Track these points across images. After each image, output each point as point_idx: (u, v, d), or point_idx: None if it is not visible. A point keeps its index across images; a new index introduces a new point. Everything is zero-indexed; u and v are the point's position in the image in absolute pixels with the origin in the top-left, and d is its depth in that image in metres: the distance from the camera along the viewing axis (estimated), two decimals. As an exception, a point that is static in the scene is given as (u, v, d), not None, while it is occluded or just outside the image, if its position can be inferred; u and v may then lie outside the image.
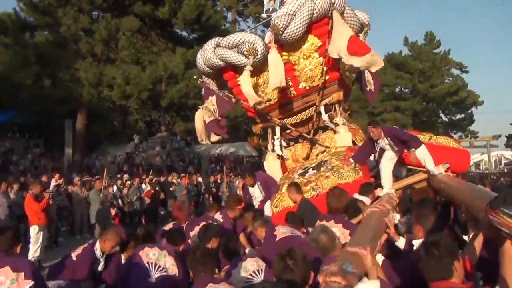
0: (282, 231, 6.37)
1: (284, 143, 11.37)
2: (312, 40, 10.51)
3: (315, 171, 9.57)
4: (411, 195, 7.79)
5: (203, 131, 10.89)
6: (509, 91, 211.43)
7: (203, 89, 11.25)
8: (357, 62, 9.37)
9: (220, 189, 27.15)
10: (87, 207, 18.63)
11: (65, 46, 31.91)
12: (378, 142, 8.92)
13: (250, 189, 10.38)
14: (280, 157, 11.34)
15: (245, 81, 10.00)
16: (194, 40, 37.95)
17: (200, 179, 28.66)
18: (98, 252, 6.48)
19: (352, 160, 9.28)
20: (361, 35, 11.03)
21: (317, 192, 8.72)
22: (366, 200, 7.50)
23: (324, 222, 5.96)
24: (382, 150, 8.99)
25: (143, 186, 23.05)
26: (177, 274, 5.66)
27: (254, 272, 5.37)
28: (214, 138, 11.07)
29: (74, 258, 6.38)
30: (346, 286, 2.58)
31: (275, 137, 11.32)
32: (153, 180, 24.46)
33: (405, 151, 8.85)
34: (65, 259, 6.44)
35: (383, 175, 8.90)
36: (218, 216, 8.02)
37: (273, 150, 11.41)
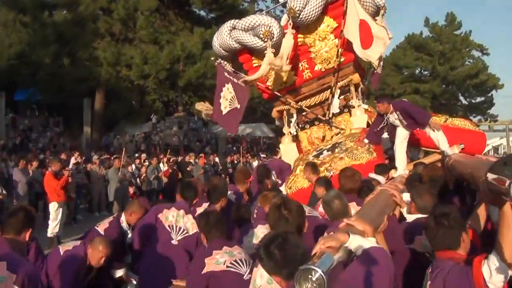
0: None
1: (299, 126, 11.32)
2: (328, 22, 10.45)
3: (329, 152, 9.57)
4: (420, 173, 7.75)
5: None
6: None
7: (217, 76, 11.10)
8: (360, 54, 9.63)
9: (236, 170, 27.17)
10: (105, 185, 18.76)
11: (84, 25, 31.89)
12: (388, 117, 8.90)
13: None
14: (296, 139, 11.34)
15: (267, 61, 9.78)
16: (212, 20, 37.88)
17: (217, 159, 28.70)
18: (124, 224, 6.47)
19: (366, 141, 9.27)
20: (378, 18, 10.77)
21: (331, 173, 8.64)
22: (381, 179, 7.44)
23: None
24: (393, 127, 8.97)
25: (161, 165, 23.14)
26: (197, 231, 5.61)
27: None
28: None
29: (102, 232, 6.32)
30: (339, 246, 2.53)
31: (291, 120, 11.29)
32: (171, 160, 24.54)
33: (416, 127, 8.83)
34: (91, 233, 6.36)
35: (397, 157, 8.90)
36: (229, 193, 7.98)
37: (289, 133, 11.36)
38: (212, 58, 11.35)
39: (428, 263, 3.50)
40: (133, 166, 21.58)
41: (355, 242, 2.58)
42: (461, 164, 6.30)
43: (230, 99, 10.55)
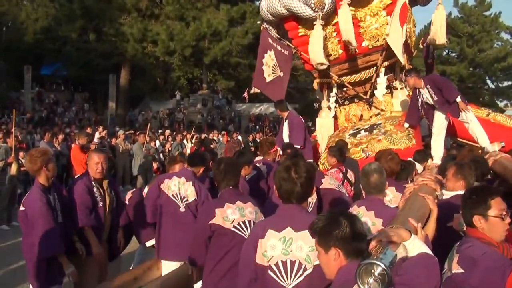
0: (329, 182, 6.32)
1: (339, 102, 11.17)
2: None
3: (367, 133, 9.41)
4: (455, 155, 7.59)
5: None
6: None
7: (261, 40, 11.06)
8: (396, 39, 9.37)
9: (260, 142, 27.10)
10: (129, 160, 18.86)
11: (110, 0, 31.98)
12: (422, 93, 8.71)
13: None
14: (333, 114, 11.15)
15: (316, 37, 9.74)
16: (238, -4, 37.65)
17: (239, 137, 28.69)
18: None
19: (406, 125, 9.08)
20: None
21: (367, 154, 8.55)
22: (419, 167, 7.32)
23: None
24: (429, 107, 8.78)
25: (185, 142, 23.20)
26: (196, 198, 5.68)
27: None
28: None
29: (126, 202, 6.56)
30: (399, 242, 2.54)
31: (331, 94, 11.08)
32: (195, 137, 24.59)
33: (446, 106, 8.54)
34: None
35: (433, 146, 8.71)
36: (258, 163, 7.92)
37: (328, 107, 11.16)
38: (258, 22, 11.27)
39: None
40: (157, 142, 21.64)
41: (415, 243, 2.60)
42: (506, 170, 5.88)
43: (273, 67, 10.51)
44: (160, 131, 26.50)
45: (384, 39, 10.01)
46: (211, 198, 5.59)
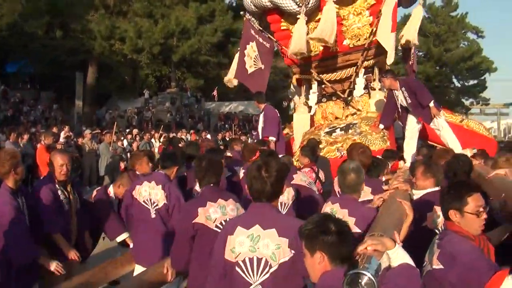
0: (300, 178, 6.40)
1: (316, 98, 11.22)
2: None
3: (342, 132, 9.49)
4: (426, 155, 7.66)
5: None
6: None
7: (243, 31, 11.06)
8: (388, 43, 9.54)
9: (228, 147, 27.01)
10: (96, 160, 18.60)
11: (78, -4, 31.55)
12: (397, 95, 8.83)
13: None
14: (311, 111, 11.20)
15: (298, 30, 9.80)
16: (208, -6, 37.50)
17: (208, 136, 28.53)
18: (112, 195, 6.49)
19: (381, 126, 9.19)
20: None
21: (342, 153, 8.61)
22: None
23: None
24: (403, 109, 8.89)
25: (153, 141, 22.98)
26: (166, 202, 5.57)
27: None
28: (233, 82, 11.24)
29: (92, 200, 6.42)
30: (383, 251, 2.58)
31: (311, 91, 11.16)
32: (163, 136, 24.39)
33: (419, 110, 8.66)
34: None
35: (406, 149, 8.82)
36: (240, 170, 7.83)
37: (305, 103, 11.23)
38: (242, 12, 11.22)
39: None
40: (125, 141, 21.41)
41: (399, 253, 2.65)
42: (489, 184, 5.82)
43: (255, 58, 10.50)
44: (127, 130, 26.24)
45: (365, 38, 10.20)
46: (183, 201, 5.49)
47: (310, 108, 11.23)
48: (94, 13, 32.36)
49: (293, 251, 3.18)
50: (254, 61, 10.55)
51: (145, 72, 44.06)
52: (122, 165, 18.29)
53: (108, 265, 5.61)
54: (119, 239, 6.20)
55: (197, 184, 6.56)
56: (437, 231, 4.24)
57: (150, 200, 5.60)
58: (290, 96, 13.19)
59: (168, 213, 5.57)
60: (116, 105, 38.82)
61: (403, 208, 3.79)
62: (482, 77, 65.44)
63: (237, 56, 11.01)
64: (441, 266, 3.19)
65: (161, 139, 22.84)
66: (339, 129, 9.67)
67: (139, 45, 31.84)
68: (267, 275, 3.25)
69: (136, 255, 5.69)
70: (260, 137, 9.85)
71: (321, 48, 10.38)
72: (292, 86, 12.42)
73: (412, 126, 8.86)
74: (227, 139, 28.21)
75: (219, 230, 4.13)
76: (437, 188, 4.75)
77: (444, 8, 60.52)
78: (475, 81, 65.94)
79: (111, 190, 6.50)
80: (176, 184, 6.16)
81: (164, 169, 5.91)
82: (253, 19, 11.02)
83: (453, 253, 3.16)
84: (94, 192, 6.60)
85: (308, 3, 9.76)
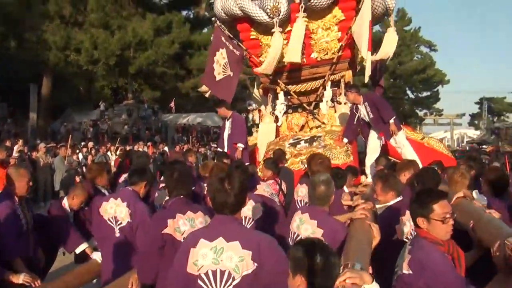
0: (263, 189, 6.37)
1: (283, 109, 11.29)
2: (336, 13, 10.42)
3: (307, 144, 9.59)
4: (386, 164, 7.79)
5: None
6: (475, 71, 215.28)
7: (212, 37, 11.25)
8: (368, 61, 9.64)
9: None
10: (51, 174, 18.21)
11: (32, 6, 30.89)
12: (359, 109, 8.98)
13: None
14: (276, 121, 11.26)
15: (276, 46, 9.95)
16: (164, 6, 37.43)
17: (166, 148, 28.28)
18: (67, 207, 6.29)
19: (345, 140, 9.33)
20: (390, 19, 11.34)
21: (305, 166, 8.40)
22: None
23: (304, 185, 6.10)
24: (365, 124, 9.07)
25: (109, 154, 22.65)
26: (129, 220, 5.39)
27: None
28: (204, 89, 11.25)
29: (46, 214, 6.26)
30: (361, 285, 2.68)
31: (278, 101, 11.21)
32: (119, 149, 24.05)
33: (380, 125, 8.85)
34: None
35: (368, 163, 8.97)
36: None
37: (271, 113, 11.30)
38: (213, 19, 11.26)
39: None
40: (80, 154, 21.05)
41: None
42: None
43: (224, 65, 10.55)
44: (83, 143, 25.81)
45: (333, 53, 10.40)
46: (148, 219, 5.25)
47: (276, 118, 11.29)
48: (49, 23, 31.77)
49: (256, 264, 3.19)
50: (223, 68, 10.62)
51: (101, 84, 43.49)
52: (77, 179, 17.92)
53: (69, 276, 5.41)
54: (79, 250, 6.02)
55: (156, 196, 6.50)
56: (406, 240, 4.43)
57: (115, 218, 5.43)
58: (250, 107, 13.31)
59: (132, 231, 5.40)
60: (72, 117, 38.19)
61: (371, 231, 3.99)
62: (435, 89, 67.22)
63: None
64: (410, 272, 3.29)
65: (118, 152, 22.52)
66: (303, 141, 9.77)
67: (95, 56, 31.40)
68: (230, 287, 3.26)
69: (103, 274, 5.54)
70: (226, 145, 9.93)
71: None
72: (257, 95, 12.47)
73: (374, 141, 9.05)
74: (185, 151, 28.06)
75: None
76: (398, 199, 4.97)
77: (398, 22, 61.64)
78: (429, 93, 67.59)
79: (65, 203, 6.31)
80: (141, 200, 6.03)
81: (132, 185, 5.76)
82: (223, 26, 11.04)
83: (423, 260, 3.27)
84: (49, 206, 6.49)
85: (279, 14, 9.86)
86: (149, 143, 27.96)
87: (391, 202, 4.97)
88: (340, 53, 10.45)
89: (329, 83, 10.82)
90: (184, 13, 41.19)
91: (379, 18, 11.10)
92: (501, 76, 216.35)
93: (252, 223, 5.59)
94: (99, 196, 6.36)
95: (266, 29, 10.27)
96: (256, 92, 12.44)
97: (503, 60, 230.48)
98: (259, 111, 24.32)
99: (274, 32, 10.00)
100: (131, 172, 5.99)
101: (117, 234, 5.42)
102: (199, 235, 3.42)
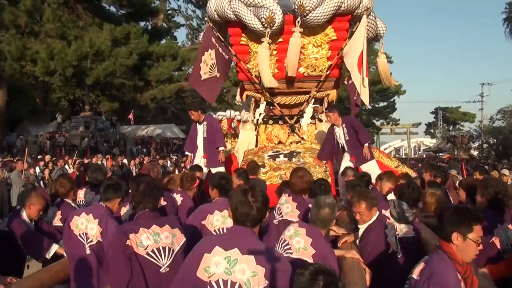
0: None
1: (264, 119, 11.26)
2: (328, 31, 10.44)
3: (286, 159, 9.54)
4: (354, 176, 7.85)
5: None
6: (430, 82, 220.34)
7: (201, 36, 11.10)
8: (357, 83, 9.94)
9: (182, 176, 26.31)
10: (8, 189, 17.64)
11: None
12: (336, 131, 9.17)
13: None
14: (256, 130, 11.26)
15: (263, 57, 10.00)
16: (122, 17, 37.03)
17: (125, 160, 27.82)
18: (26, 219, 5.97)
19: (323, 161, 9.42)
20: (381, 44, 11.42)
21: (283, 181, 8.44)
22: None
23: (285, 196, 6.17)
24: (339, 148, 9.29)
25: (67, 167, 22.12)
26: (100, 239, 5.15)
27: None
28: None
29: (6, 228, 5.87)
30: None
31: (258, 111, 11.11)
32: (77, 162, 23.54)
33: (354, 148, 9.07)
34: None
35: (340, 186, 8.97)
36: (177, 197, 7.46)
37: (252, 121, 11.25)
38: (206, 18, 11.08)
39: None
40: (38, 168, 20.51)
41: None
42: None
43: (211, 66, 10.45)
44: (39, 156, 25.20)
45: (321, 70, 10.46)
46: None
47: (255, 127, 11.29)
48: (5, 33, 31.06)
49: (267, 282, 3.17)
50: (210, 68, 10.50)
51: (58, 95, 42.87)
52: (35, 193, 17.47)
53: (45, 272, 5.25)
54: (50, 253, 5.77)
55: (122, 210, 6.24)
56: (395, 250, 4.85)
57: (86, 234, 5.15)
58: (220, 117, 13.21)
59: (103, 250, 5.11)
60: (28, 130, 37.43)
61: (363, 268, 4.36)
62: (392, 99, 68.23)
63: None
64: (418, 278, 3.41)
65: (75, 165, 22.07)
66: (282, 155, 9.73)
67: (51, 67, 30.71)
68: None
69: None
70: (202, 149, 9.79)
71: (277, 70, 10.56)
72: (238, 101, 12.51)
73: (346, 164, 9.15)
74: (144, 163, 27.64)
75: (150, 258, 4.18)
76: (378, 213, 5.21)
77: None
78: (385, 103, 68.61)
79: (23, 214, 5.99)
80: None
81: (105, 201, 5.44)
82: (214, 27, 10.92)
83: (435, 270, 3.34)
84: (7, 219, 6.02)
85: (273, 25, 9.82)
86: (107, 156, 27.47)
87: (374, 218, 5.14)
88: (327, 72, 10.49)
89: (312, 100, 10.82)
90: (142, 24, 40.88)
91: (368, 43, 11.11)
92: (455, 86, 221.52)
93: None
94: (71, 209, 6.09)
95: (257, 36, 10.25)
96: (238, 98, 12.31)
97: (456, 71, 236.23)
98: (228, 120, 24.28)
99: (262, 41, 9.98)
100: (105, 187, 5.65)
101: (88, 251, 5.15)
102: (215, 241, 3.35)
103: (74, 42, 31.52)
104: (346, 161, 9.21)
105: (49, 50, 30.34)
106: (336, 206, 4.59)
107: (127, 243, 4.11)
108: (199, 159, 9.80)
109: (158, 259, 4.22)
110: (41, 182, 19.61)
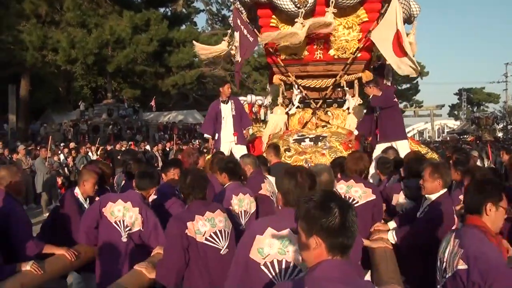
0: (267, 188, 6.30)
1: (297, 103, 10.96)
2: (360, 13, 10.23)
3: (312, 143, 9.40)
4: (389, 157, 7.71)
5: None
6: (453, 63, 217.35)
7: (231, 18, 10.96)
8: (394, 62, 9.69)
9: (168, 157, 26.51)
10: (32, 176, 17.87)
11: (8, 5, 30.33)
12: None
13: None
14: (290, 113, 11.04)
15: (291, 30, 9.75)
16: (142, 4, 36.96)
17: (148, 147, 27.96)
18: (80, 197, 5.92)
19: (355, 132, 9.37)
20: (413, 26, 10.91)
21: (309, 165, 8.31)
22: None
23: (343, 182, 5.92)
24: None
25: (90, 154, 22.31)
26: (141, 229, 5.16)
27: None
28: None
29: (62, 211, 5.82)
30: None
31: (294, 93, 10.85)
32: (100, 149, 23.72)
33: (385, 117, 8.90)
34: (52, 217, 5.98)
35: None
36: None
37: (282, 104, 11.01)
38: (232, 0, 10.97)
39: None
40: (61, 155, 20.73)
41: None
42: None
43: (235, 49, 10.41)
44: (63, 144, 25.44)
45: (351, 53, 10.21)
46: (160, 228, 5.10)
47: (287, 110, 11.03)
48: (26, 23, 31.25)
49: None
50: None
51: (80, 84, 43.13)
52: (59, 180, 17.70)
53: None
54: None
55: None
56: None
57: (123, 222, 5.14)
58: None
59: (141, 239, 5.16)
60: (51, 118, 37.76)
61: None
62: (415, 81, 67.31)
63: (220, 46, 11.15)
64: (465, 266, 3.19)
65: (99, 152, 22.26)
66: (308, 139, 9.56)
67: (72, 56, 30.88)
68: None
69: (102, 279, 5.17)
70: (232, 128, 9.89)
71: (307, 53, 10.37)
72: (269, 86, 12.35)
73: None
74: (168, 149, 27.79)
75: (209, 243, 4.28)
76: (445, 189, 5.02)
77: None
78: (408, 85, 67.73)
79: (78, 192, 5.92)
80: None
81: (141, 190, 5.43)
82: (242, 9, 10.70)
83: (477, 254, 3.16)
84: (60, 202, 6.12)
85: (307, 5, 9.61)
86: (130, 143, 27.65)
87: (443, 191, 4.95)
88: (358, 54, 10.28)
89: (344, 83, 10.55)
90: (161, 10, 40.83)
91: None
92: (479, 67, 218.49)
93: (250, 217, 5.53)
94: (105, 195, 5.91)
95: (288, 18, 10.03)
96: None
97: (480, 51, 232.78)
98: (249, 105, 24.30)
99: (296, 22, 9.72)
100: (141, 175, 5.67)
101: (124, 239, 5.16)
102: (267, 223, 3.38)
103: (95, 30, 31.61)
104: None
105: (70, 38, 30.50)
106: (331, 170, 4.79)
107: (185, 232, 4.18)
108: (227, 138, 9.86)
109: (218, 242, 4.34)
110: (65, 169, 19.82)
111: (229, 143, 9.83)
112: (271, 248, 3.22)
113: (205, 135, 10.24)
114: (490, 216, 3.36)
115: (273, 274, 3.20)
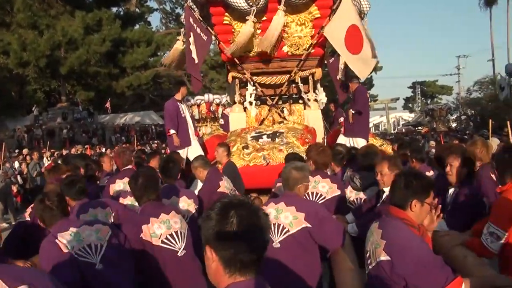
0: (225, 186, 6.48)
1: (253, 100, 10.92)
2: (312, 9, 10.20)
3: (269, 139, 9.32)
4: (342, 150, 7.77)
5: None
6: (406, 57, 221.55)
7: (183, 17, 10.80)
8: (348, 60, 9.83)
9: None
10: (-13, 186, 17.29)
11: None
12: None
13: None
14: (245, 110, 10.99)
15: (246, 32, 9.75)
16: (93, 3, 36.39)
17: (104, 149, 27.49)
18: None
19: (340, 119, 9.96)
20: (364, 23, 10.62)
21: (267, 162, 8.51)
22: None
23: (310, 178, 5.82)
24: None
25: (44, 160, 21.72)
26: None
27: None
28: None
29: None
30: None
31: (248, 91, 10.78)
32: (55, 154, 23.18)
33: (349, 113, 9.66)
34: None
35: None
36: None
37: (239, 102, 10.97)
38: None
39: None
40: (16, 162, 20.15)
41: None
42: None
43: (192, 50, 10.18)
44: (17, 150, 24.81)
45: (304, 49, 10.25)
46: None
47: (244, 107, 11.00)
48: (-26, 25, 30.50)
49: (309, 224, 4.25)
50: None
51: (33, 87, 42.17)
52: (14, 188, 17.21)
53: None
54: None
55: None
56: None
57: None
58: (188, 103, 12.94)
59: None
60: (5, 124, 36.84)
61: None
62: (369, 75, 68.06)
63: (176, 46, 10.92)
64: (388, 258, 3.22)
65: (52, 157, 21.70)
66: (265, 135, 9.51)
67: (24, 58, 30.28)
68: (285, 236, 4.27)
69: None
70: (193, 128, 9.92)
71: (259, 49, 10.28)
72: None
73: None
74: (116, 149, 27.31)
75: (165, 246, 4.23)
76: None
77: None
78: (362, 80, 68.38)
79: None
80: None
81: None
82: (194, 7, 10.51)
83: (402, 244, 3.22)
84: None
85: (259, 3, 9.62)
86: (86, 146, 27.12)
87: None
88: (311, 50, 10.33)
89: (298, 79, 10.55)
90: (114, 9, 40.31)
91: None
92: (432, 60, 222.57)
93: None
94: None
95: (240, 15, 9.98)
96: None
97: (432, 44, 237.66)
98: (207, 104, 24.09)
99: (247, 20, 9.74)
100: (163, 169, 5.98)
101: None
102: (271, 200, 4.76)
103: (46, 31, 31.16)
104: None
105: (21, 40, 29.97)
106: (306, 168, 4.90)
107: (140, 236, 4.15)
108: (190, 137, 9.79)
109: (174, 244, 4.29)
110: (18, 176, 19.25)
111: (186, 148, 9.68)
112: (270, 215, 3.62)
113: (171, 131, 9.83)
114: (415, 212, 3.41)
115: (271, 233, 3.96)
